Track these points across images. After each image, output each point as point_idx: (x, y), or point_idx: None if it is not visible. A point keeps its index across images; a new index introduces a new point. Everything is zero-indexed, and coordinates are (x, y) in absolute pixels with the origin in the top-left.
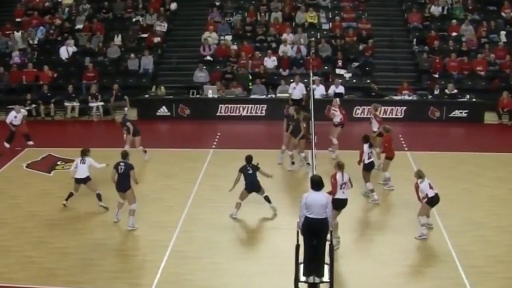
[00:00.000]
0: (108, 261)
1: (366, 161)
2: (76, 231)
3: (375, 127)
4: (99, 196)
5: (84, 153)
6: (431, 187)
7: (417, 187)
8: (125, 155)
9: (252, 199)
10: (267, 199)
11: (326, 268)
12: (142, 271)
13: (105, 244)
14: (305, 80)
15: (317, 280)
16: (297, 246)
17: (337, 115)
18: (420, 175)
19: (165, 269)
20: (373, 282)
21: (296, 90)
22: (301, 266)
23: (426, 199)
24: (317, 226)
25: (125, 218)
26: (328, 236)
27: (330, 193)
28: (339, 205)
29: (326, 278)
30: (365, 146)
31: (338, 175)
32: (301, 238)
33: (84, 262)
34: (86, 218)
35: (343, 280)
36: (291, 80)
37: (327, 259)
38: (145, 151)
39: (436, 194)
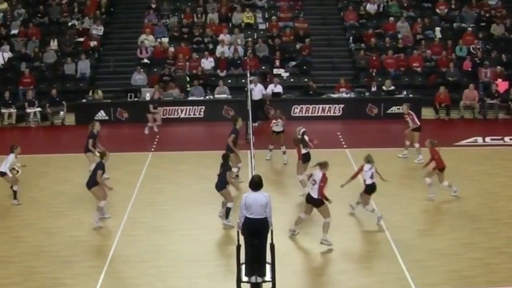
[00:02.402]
0: (50, 268)
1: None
2: (17, 239)
3: (410, 124)
4: (14, 193)
5: (11, 149)
6: (371, 177)
7: (360, 169)
8: (102, 155)
9: (194, 200)
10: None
11: (268, 268)
12: (85, 277)
13: (47, 251)
14: (243, 81)
15: (259, 280)
16: (238, 247)
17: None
18: (368, 159)
19: (108, 274)
20: (317, 280)
21: (255, 91)
22: (243, 267)
23: (364, 187)
24: (257, 226)
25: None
26: (269, 236)
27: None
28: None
29: (268, 277)
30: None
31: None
32: (242, 238)
33: (27, 270)
34: (26, 226)
35: (286, 279)
36: (250, 81)
37: (268, 258)
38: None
39: (374, 183)
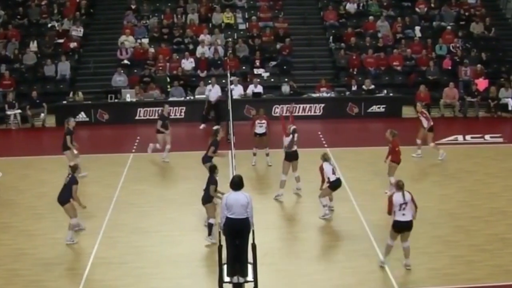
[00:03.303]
0: (31, 271)
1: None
2: None
3: (425, 123)
4: None
5: None
6: (333, 172)
7: (321, 169)
8: (74, 169)
9: (176, 201)
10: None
11: (250, 268)
12: (67, 279)
13: (28, 254)
14: (223, 81)
15: (241, 280)
16: (220, 247)
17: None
18: (325, 158)
19: (89, 276)
20: (298, 279)
21: (212, 92)
22: (225, 267)
23: (328, 184)
24: (238, 226)
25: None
26: (251, 236)
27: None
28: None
29: (250, 277)
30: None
31: (396, 196)
32: (223, 238)
33: (8, 273)
34: (6, 229)
35: (268, 279)
36: (209, 82)
37: (250, 258)
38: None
39: (338, 179)
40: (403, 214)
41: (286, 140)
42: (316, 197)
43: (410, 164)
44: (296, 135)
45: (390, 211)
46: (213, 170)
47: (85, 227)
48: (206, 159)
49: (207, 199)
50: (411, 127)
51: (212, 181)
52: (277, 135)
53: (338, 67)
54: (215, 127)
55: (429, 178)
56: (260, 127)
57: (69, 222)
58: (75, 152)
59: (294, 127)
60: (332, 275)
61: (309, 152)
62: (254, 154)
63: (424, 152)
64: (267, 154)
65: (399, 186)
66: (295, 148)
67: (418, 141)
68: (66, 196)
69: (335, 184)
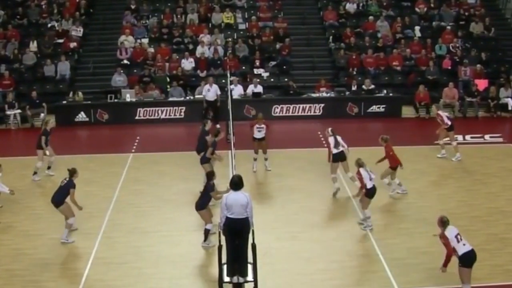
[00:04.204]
0: (31, 271)
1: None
2: None
3: (444, 123)
4: None
5: None
6: (370, 179)
7: (360, 175)
8: (72, 173)
9: (175, 201)
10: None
11: (250, 268)
12: (66, 279)
13: (27, 254)
14: (223, 81)
15: (241, 280)
16: (220, 247)
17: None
18: (360, 163)
19: (89, 276)
20: (298, 279)
21: (211, 92)
22: (225, 267)
23: (365, 191)
24: (238, 226)
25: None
26: (250, 235)
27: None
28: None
29: (250, 277)
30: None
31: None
32: (223, 238)
33: (7, 274)
34: (5, 229)
35: (268, 279)
36: (203, 82)
37: (250, 258)
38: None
39: (374, 186)
40: (464, 244)
41: (331, 144)
42: (316, 197)
43: (408, 164)
44: (338, 136)
45: (450, 252)
46: (210, 177)
47: (77, 227)
48: (204, 160)
49: (202, 205)
50: (410, 127)
51: (209, 188)
52: (278, 134)
53: (337, 67)
54: (216, 128)
55: (428, 178)
56: (259, 132)
57: (66, 221)
58: (47, 153)
59: (331, 128)
60: (332, 275)
61: (308, 152)
62: (255, 159)
63: (422, 152)
64: (266, 159)
65: (444, 222)
66: (341, 148)
67: (440, 142)
68: (60, 198)
69: (372, 192)
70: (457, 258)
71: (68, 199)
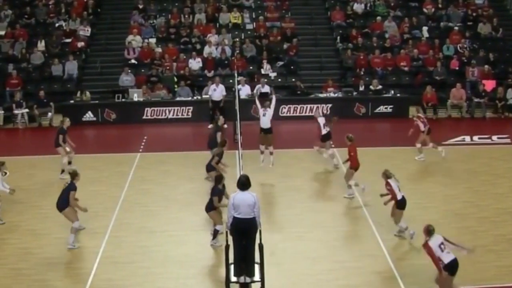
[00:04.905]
0: (37, 270)
1: (324, 132)
2: (2, 242)
3: (422, 127)
4: None
5: None
6: (399, 190)
7: (389, 186)
8: (73, 175)
9: (182, 201)
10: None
11: (257, 268)
12: (73, 278)
13: (34, 253)
14: (230, 81)
15: (248, 280)
16: (227, 247)
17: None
18: (388, 174)
19: (96, 275)
20: (304, 279)
21: (217, 92)
22: (232, 267)
23: (395, 202)
24: (245, 226)
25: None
26: (258, 235)
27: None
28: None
29: (257, 277)
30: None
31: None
32: (230, 238)
33: (14, 272)
34: (13, 227)
35: (274, 279)
36: (210, 82)
37: (257, 258)
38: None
39: (403, 197)
40: (448, 253)
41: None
42: (322, 198)
43: (415, 165)
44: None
45: (435, 262)
46: (218, 181)
47: (85, 226)
48: (210, 168)
49: (211, 207)
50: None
51: (215, 192)
52: (285, 134)
53: (345, 67)
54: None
55: (435, 178)
56: (264, 116)
57: (71, 226)
58: (67, 149)
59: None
60: (338, 275)
61: (315, 153)
62: (262, 152)
63: (428, 152)
64: (271, 153)
65: (429, 231)
66: (328, 129)
67: (418, 145)
68: (64, 202)
69: (403, 203)
70: (442, 267)
71: (73, 204)
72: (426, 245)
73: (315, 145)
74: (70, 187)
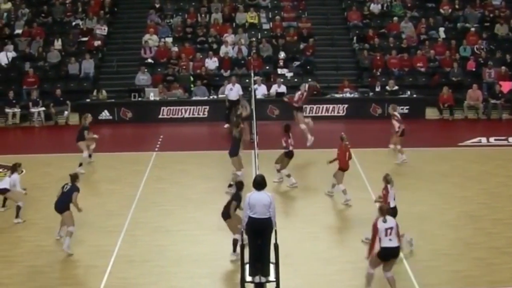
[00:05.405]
0: (53, 268)
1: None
2: (19, 239)
3: (396, 127)
4: (18, 209)
5: (14, 169)
6: (394, 198)
7: (386, 191)
8: (74, 177)
9: (198, 200)
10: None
11: (272, 268)
12: (89, 276)
13: (50, 251)
14: (247, 80)
15: (263, 279)
16: (242, 246)
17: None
18: (388, 180)
19: (112, 274)
20: (318, 279)
21: (233, 91)
22: (247, 266)
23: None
24: (260, 225)
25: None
26: (273, 235)
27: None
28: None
29: (272, 277)
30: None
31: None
32: (245, 238)
33: (29, 270)
34: (28, 226)
35: (289, 279)
36: (226, 81)
37: (272, 258)
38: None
39: (395, 207)
40: (390, 240)
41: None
42: (338, 198)
43: (431, 166)
44: None
45: (374, 239)
46: (240, 187)
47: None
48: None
49: (227, 214)
50: (434, 129)
51: (235, 197)
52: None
53: (361, 67)
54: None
55: (450, 179)
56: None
57: (67, 229)
58: (94, 136)
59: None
60: (352, 276)
61: (331, 153)
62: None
63: (445, 154)
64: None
65: (383, 211)
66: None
67: (391, 146)
68: (64, 204)
69: (395, 211)
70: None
71: (75, 204)
72: (374, 224)
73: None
74: (73, 189)
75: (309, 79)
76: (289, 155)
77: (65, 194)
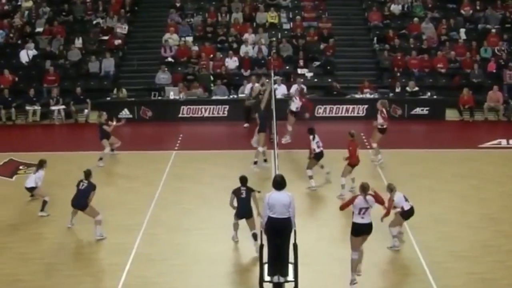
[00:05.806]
0: (71, 266)
1: (317, 151)
2: (38, 236)
3: (379, 121)
4: (44, 203)
5: (40, 165)
6: (406, 199)
7: (391, 201)
8: (87, 174)
9: (217, 199)
10: (254, 236)
11: (291, 268)
12: (107, 274)
13: (68, 248)
14: (267, 81)
15: (281, 279)
16: (261, 246)
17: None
18: (391, 188)
19: (130, 272)
20: (336, 280)
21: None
22: (266, 266)
23: (400, 212)
24: (280, 225)
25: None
26: (292, 235)
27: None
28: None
29: (290, 277)
30: (310, 138)
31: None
32: (265, 238)
33: (47, 267)
34: (48, 222)
35: (307, 279)
36: (246, 81)
37: (291, 258)
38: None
39: (412, 207)
40: (362, 218)
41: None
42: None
43: (450, 167)
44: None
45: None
46: (243, 182)
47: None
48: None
49: (250, 213)
50: (454, 130)
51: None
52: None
53: (381, 68)
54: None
55: (470, 181)
56: (318, 147)
57: (95, 219)
58: (114, 124)
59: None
60: (373, 278)
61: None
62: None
63: (464, 155)
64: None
65: (364, 189)
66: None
67: (374, 145)
68: (84, 201)
69: (409, 213)
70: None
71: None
72: (353, 198)
73: None
74: (90, 188)
75: (329, 80)
76: (316, 157)
77: (82, 191)
